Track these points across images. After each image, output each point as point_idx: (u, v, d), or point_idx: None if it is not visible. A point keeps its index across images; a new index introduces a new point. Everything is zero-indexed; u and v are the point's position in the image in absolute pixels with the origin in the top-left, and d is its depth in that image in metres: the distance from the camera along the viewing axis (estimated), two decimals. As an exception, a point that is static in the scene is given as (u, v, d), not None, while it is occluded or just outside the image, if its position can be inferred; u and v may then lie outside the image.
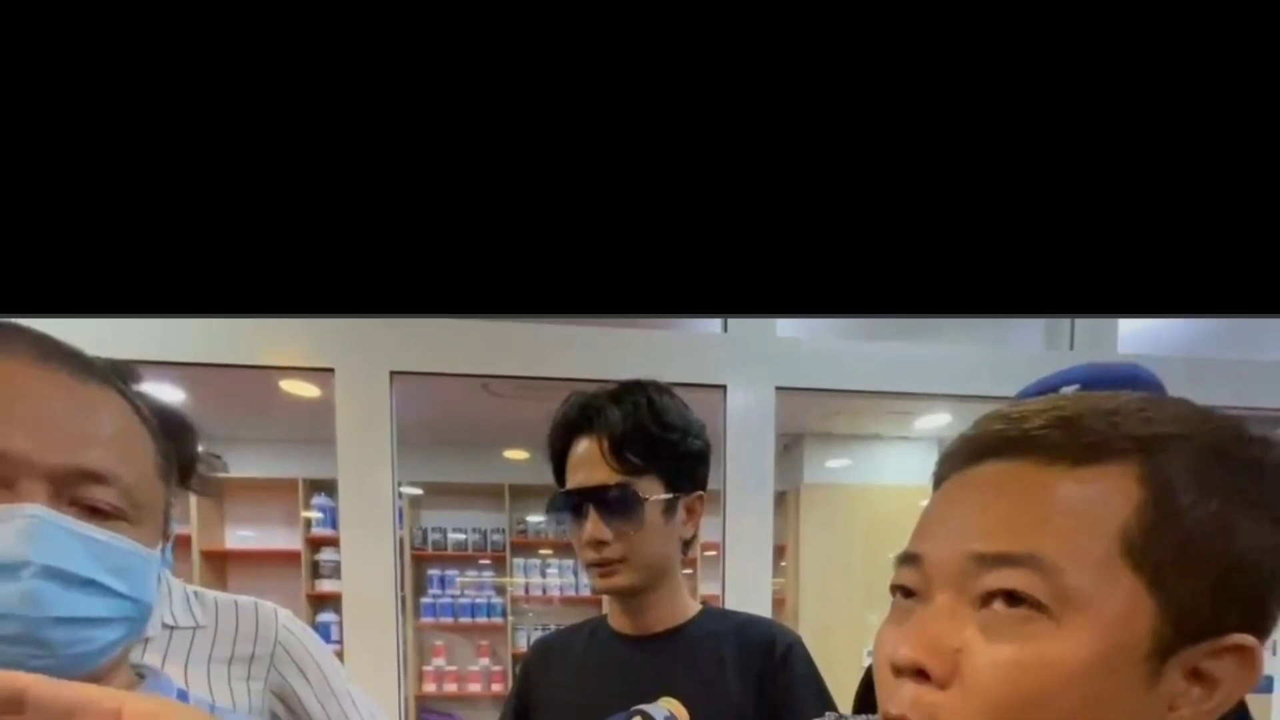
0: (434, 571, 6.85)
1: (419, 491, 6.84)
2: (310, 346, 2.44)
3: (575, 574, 6.84)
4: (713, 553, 3.07)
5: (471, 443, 6.55)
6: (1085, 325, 2.83)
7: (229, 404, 5.13)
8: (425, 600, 6.77)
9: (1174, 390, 0.79)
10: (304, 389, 4.28)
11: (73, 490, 0.68)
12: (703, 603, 1.46)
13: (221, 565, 6.45)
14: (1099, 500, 0.56)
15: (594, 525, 1.29)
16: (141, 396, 0.79)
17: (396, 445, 2.49)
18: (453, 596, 6.81)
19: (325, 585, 6.37)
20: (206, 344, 2.37)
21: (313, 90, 0.67)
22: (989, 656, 0.55)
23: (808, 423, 5.75)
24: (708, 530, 1.66)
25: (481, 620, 6.80)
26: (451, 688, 6.73)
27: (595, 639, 1.46)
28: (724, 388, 2.62)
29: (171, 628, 1.32)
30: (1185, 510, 0.55)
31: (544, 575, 6.95)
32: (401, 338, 2.47)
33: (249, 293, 0.72)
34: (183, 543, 5.70)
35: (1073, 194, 0.69)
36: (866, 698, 1.30)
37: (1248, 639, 0.55)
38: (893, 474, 5.92)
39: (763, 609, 2.61)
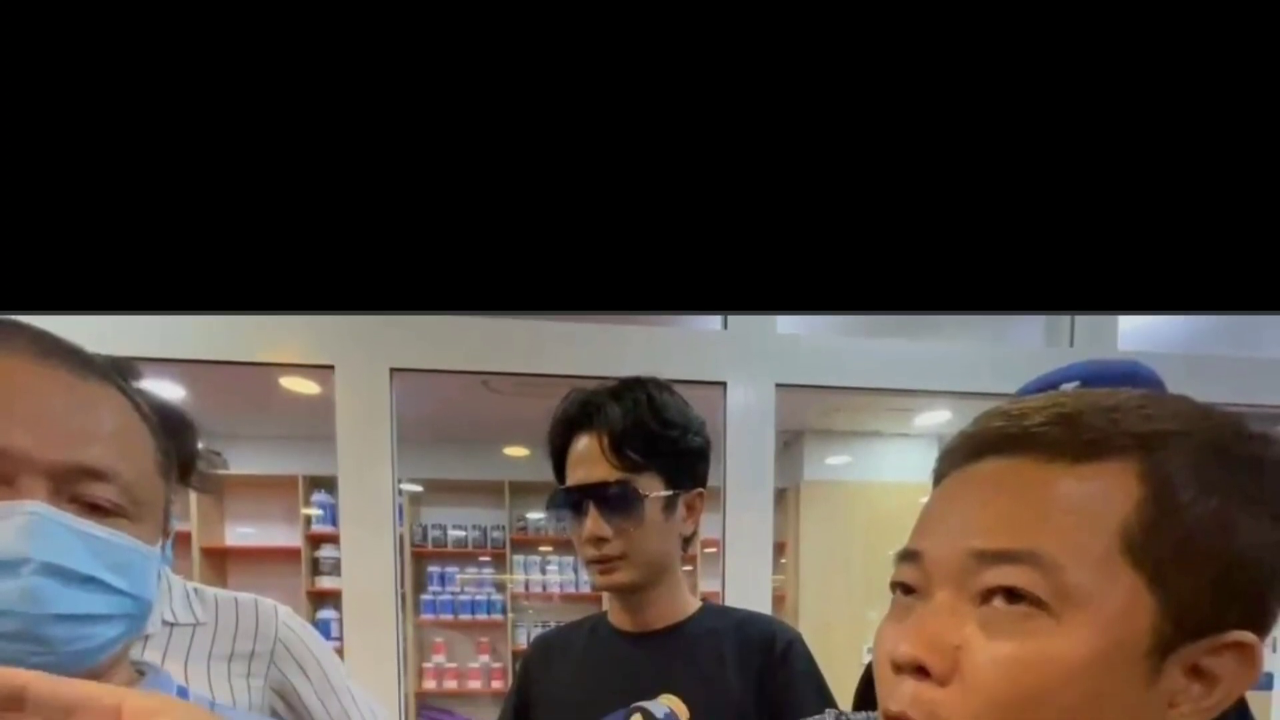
0: (434, 568, 6.85)
1: (419, 488, 6.84)
2: (310, 343, 2.44)
3: (575, 571, 6.84)
4: (713, 550, 3.06)
5: (471, 439, 6.55)
6: (1085, 322, 2.83)
7: (229, 401, 5.13)
8: (425, 597, 6.77)
9: (1174, 387, 0.79)
10: (304, 386, 4.28)
11: (73, 487, 0.68)
12: (703, 600, 1.46)
13: (221, 562, 6.46)
14: (1099, 497, 0.56)
15: (594, 522, 1.29)
16: (141, 393, 0.79)
17: (396, 442, 2.48)
18: (453, 593, 6.80)
19: (325, 582, 6.38)
20: (206, 341, 2.37)
21: (313, 89, 0.67)
22: (989, 653, 0.55)
23: (808, 419, 5.75)
24: (708, 527, 1.66)
25: (481, 617, 6.80)
26: (451, 685, 6.74)
27: (595, 636, 1.46)
28: (724, 384, 2.62)
29: (171, 625, 1.32)
30: (1185, 507, 0.55)
31: (544, 572, 6.95)
32: (402, 335, 2.47)
33: (249, 289, 0.71)
34: (183, 539, 5.71)
35: (1072, 191, 0.69)
36: (866, 694, 1.30)
37: (1248, 636, 0.56)
38: (893, 471, 5.92)
39: (763, 606, 2.61)
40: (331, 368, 2.44)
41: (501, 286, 0.72)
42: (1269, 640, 0.59)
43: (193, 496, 5.49)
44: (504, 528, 6.88)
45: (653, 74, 0.67)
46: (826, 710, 0.88)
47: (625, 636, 1.41)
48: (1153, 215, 0.69)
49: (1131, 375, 1.19)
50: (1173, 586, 0.54)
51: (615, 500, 1.28)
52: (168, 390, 3.63)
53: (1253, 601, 0.56)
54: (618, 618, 1.42)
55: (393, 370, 2.47)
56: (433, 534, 6.87)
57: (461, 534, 6.90)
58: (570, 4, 0.66)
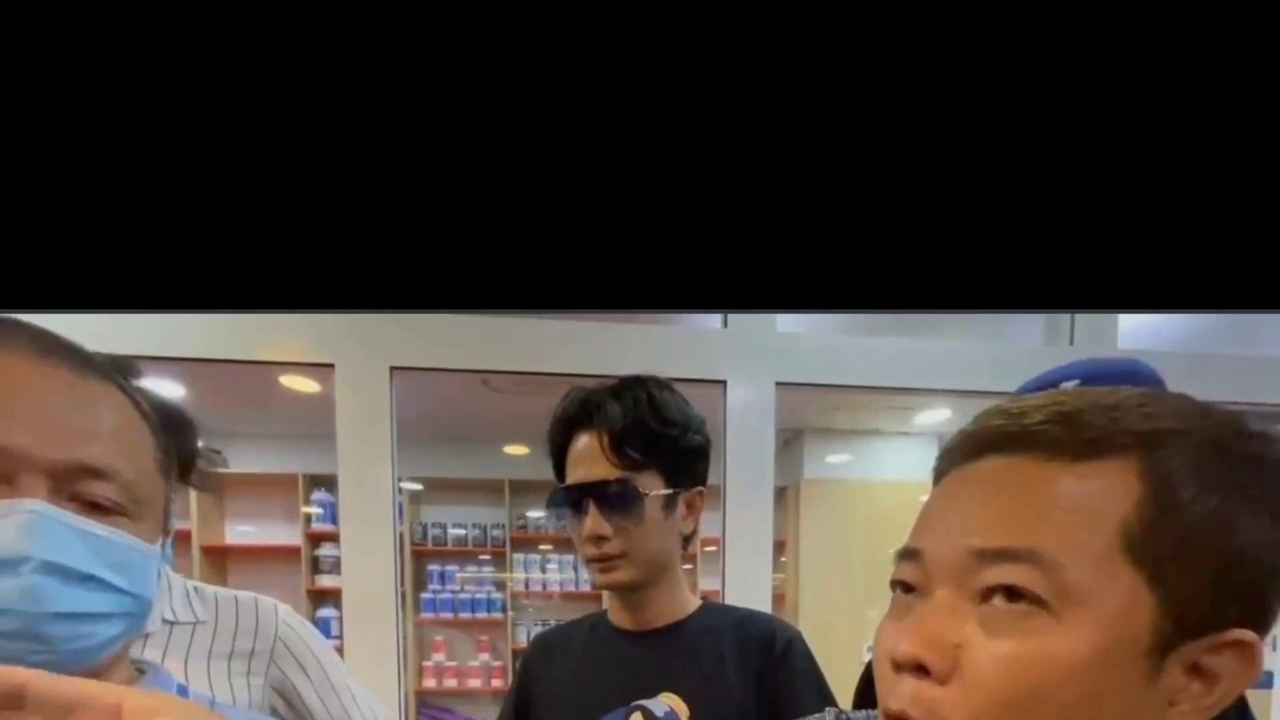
0: (434, 567, 6.85)
1: (419, 487, 6.84)
2: (310, 342, 2.44)
3: (575, 569, 6.84)
4: (713, 548, 3.06)
5: (471, 438, 6.55)
6: (1085, 320, 2.83)
7: (229, 399, 5.13)
8: (425, 595, 6.77)
9: (1174, 385, 0.79)
10: (304, 384, 4.28)
11: (73, 485, 0.68)
12: (703, 598, 1.46)
13: (221, 560, 6.46)
14: (1099, 495, 0.56)
15: (594, 520, 1.29)
16: (141, 392, 0.79)
17: (396, 440, 2.49)
18: (453, 592, 6.80)
19: (325, 580, 6.38)
20: (206, 339, 2.37)
21: (313, 87, 0.67)
22: (989, 652, 0.55)
23: (808, 418, 5.75)
24: (708, 525, 1.66)
25: (481, 615, 6.80)
26: (451, 683, 6.74)
27: (595, 634, 1.46)
28: (724, 383, 2.63)
29: (171, 623, 1.32)
30: (1185, 505, 0.55)
31: (544, 570, 6.95)
32: (401, 333, 2.47)
33: (249, 288, 0.72)
34: (183, 538, 5.71)
35: (1072, 189, 0.69)
36: (866, 693, 1.30)
37: (1248, 634, 0.56)
38: (893, 469, 5.92)
39: (763, 604, 2.61)
40: (331, 366, 2.44)
41: (501, 285, 0.72)
42: (1269, 638, 0.59)
43: (193, 495, 5.49)
44: (504, 526, 6.88)
45: (652, 74, 0.67)
46: (826, 709, 0.88)
47: (625, 635, 1.41)
48: (1152, 214, 0.70)
49: (1131, 373, 1.19)
50: (1173, 585, 0.54)
51: (615, 499, 1.28)
52: (168, 389, 3.63)
53: (1253, 600, 0.56)
54: (618, 616, 1.42)
55: (393, 369, 2.47)
56: (433, 532, 6.86)
57: (461, 532, 6.90)
58: (570, 4, 0.66)
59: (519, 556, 6.93)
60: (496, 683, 6.75)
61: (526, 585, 6.92)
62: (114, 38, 0.65)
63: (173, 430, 0.84)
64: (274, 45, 0.66)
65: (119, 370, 0.77)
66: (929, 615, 0.59)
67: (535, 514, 6.93)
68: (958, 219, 0.71)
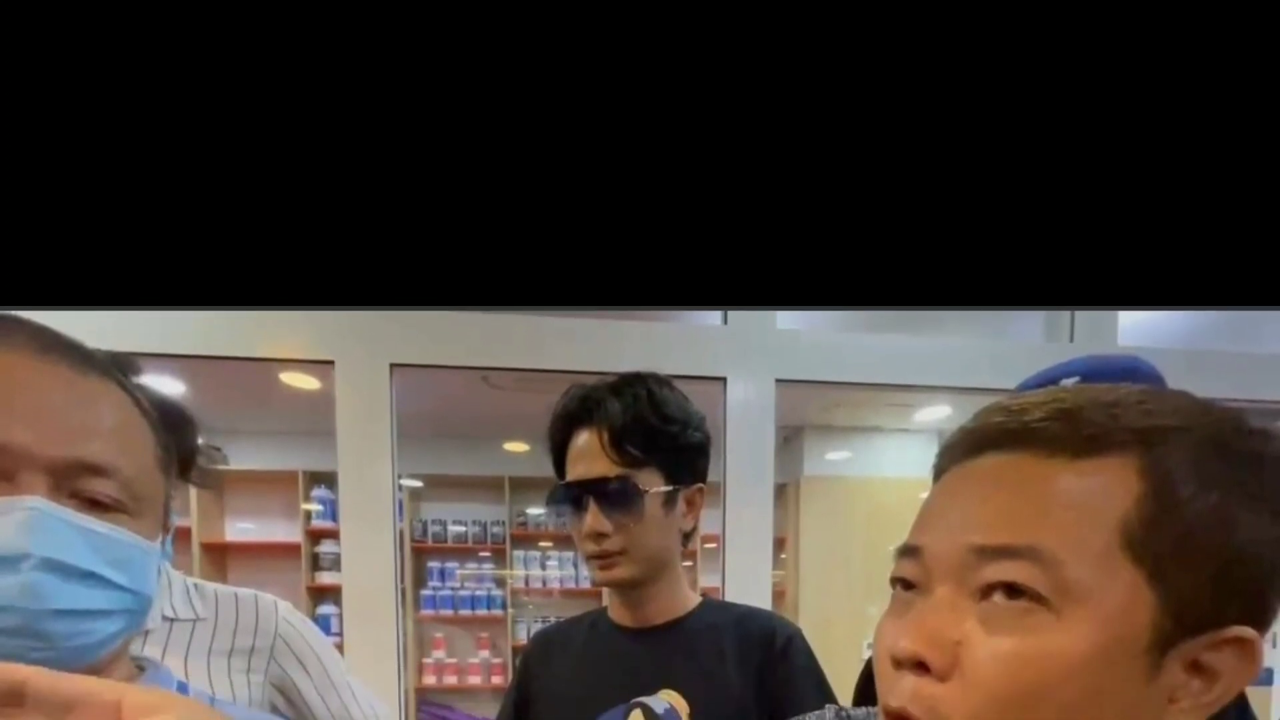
0: (434, 564, 6.86)
1: (419, 484, 6.85)
2: (310, 339, 2.44)
3: (575, 566, 6.85)
4: (713, 545, 3.07)
5: (471, 435, 6.55)
6: (1085, 317, 2.83)
7: (229, 396, 5.13)
8: (425, 593, 6.77)
9: (1174, 382, 0.79)
10: (304, 381, 4.28)
11: (73, 483, 0.68)
12: (702, 595, 1.46)
13: (221, 558, 6.46)
14: (1099, 492, 0.56)
15: (594, 517, 1.29)
16: (141, 389, 0.79)
17: (396, 437, 2.49)
18: (452, 589, 6.81)
19: (325, 578, 6.39)
20: (207, 336, 2.37)
21: (314, 84, 0.67)
22: (989, 649, 0.55)
23: (808, 415, 5.75)
24: (708, 522, 1.66)
25: (481, 612, 6.81)
26: (451, 680, 6.74)
27: (595, 631, 1.46)
28: (724, 380, 2.63)
29: (171, 620, 1.32)
30: (1185, 503, 0.55)
31: (544, 567, 6.96)
32: (401, 330, 2.47)
33: (249, 285, 0.72)
34: (183, 535, 5.71)
35: (1072, 187, 0.69)
36: (866, 690, 1.30)
37: (1248, 631, 0.56)
38: (893, 466, 5.92)
39: (763, 601, 2.61)
40: (332, 363, 2.44)
41: (501, 282, 0.72)
42: (1269, 636, 0.59)
43: (193, 492, 5.50)
44: (504, 523, 6.88)
45: (652, 71, 0.67)
46: (826, 706, 0.88)
47: (625, 632, 1.41)
48: (1152, 211, 0.70)
49: (1131, 370, 1.19)
50: (1173, 582, 0.54)
51: (615, 495, 1.28)
52: (168, 385, 3.63)
53: (1253, 597, 0.56)
54: (618, 613, 1.42)
55: (393, 365, 2.47)
56: (433, 529, 6.87)
57: (461, 529, 6.91)
58: (569, 2, 0.66)
59: (519, 553, 6.94)
60: (496, 680, 6.76)
61: (526, 582, 6.92)
62: (113, 35, 0.65)
63: (173, 427, 0.84)
64: (274, 42, 0.66)
65: (119, 367, 0.77)
66: (929, 612, 0.59)
67: (535, 511, 6.93)
68: (958, 216, 0.71)
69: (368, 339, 2.45)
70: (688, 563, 5.54)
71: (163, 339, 2.31)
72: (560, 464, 1.38)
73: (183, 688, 0.88)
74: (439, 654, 6.80)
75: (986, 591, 0.56)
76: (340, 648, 1.98)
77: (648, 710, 1.27)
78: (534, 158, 0.69)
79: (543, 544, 7.00)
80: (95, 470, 0.69)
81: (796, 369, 2.67)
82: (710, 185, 0.70)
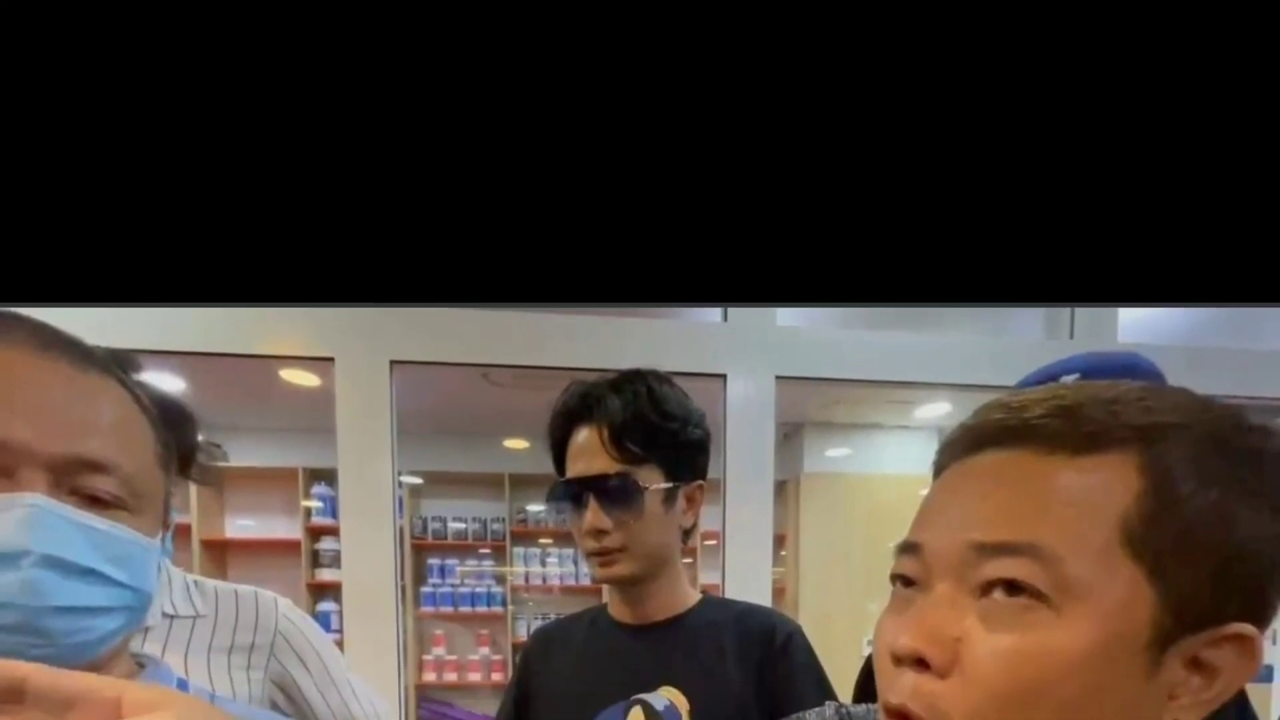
0: (434, 561, 6.86)
1: (419, 481, 6.85)
2: (310, 335, 2.44)
3: (575, 563, 6.85)
4: (713, 542, 3.07)
5: (471, 432, 6.55)
6: (1085, 314, 2.83)
7: (229, 393, 5.13)
8: (425, 589, 6.77)
9: (1174, 379, 0.79)
10: (304, 378, 4.28)
11: (73, 479, 0.68)
12: (702, 592, 1.46)
13: (221, 554, 6.46)
14: (1099, 489, 0.56)
15: (594, 514, 1.29)
16: (141, 385, 0.79)
17: (396, 434, 2.49)
18: (453, 586, 6.81)
19: (325, 574, 6.39)
20: (206, 333, 2.37)
21: (313, 81, 0.67)
22: (989, 646, 0.55)
23: (807, 412, 5.75)
24: (708, 519, 1.66)
25: (481, 609, 6.81)
26: (451, 677, 6.74)
27: (595, 628, 1.46)
28: (724, 377, 2.62)
29: (171, 617, 1.33)
30: (1185, 499, 0.55)
31: (544, 564, 6.96)
32: (402, 327, 2.47)
33: (249, 281, 0.71)
34: (183, 532, 5.71)
35: (1072, 183, 0.69)
36: (867, 687, 1.30)
37: (1247, 628, 0.56)
38: (893, 463, 5.92)
39: (763, 598, 2.62)
40: (331, 360, 2.44)
41: (501, 279, 0.72)
42: (1269, 633, 0.59)
43: (193, 489, 5.49)
44: (504, 520, 6.88)
45: (652, 67, 0.67)
46: (826, 702, 0.88)
47: (625, 629, 1.41)
48: (1152, 207, 0.69)
49: (1131, 367, 1.19)
50: (1173, 579, 0.54)
51: (615, 492, 1.28)
52: (168, 382, 3.63)
53: (1253, 594, 0.56)
54: (618, 610, 1.42)
55: (393, 362, 2.47)
56: (433, 526, 6.87)
57: (461, 526, 6.91)
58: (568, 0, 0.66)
59: (519, 550, 6.94)
60: (496, 676, 6.76)
61: (526, 579, 6.93)
62: (113, 33, 0.65)
63: (172, 424, 0.84)
64: (274, 39, 0.66)
65: (119, 364, 0.77)
66: (929, 609, 0.59)
67: (535, 508, 6.93)
68: (958, 213, 0.70)
69: (368, 335, 2.45)
70: (688, 560, 5.55)
71: (162, 335, 2.31)
72: (560, 461, 1.38)
73: (183, 684, 0.89)
74: (439, 651, 6.80)
75: (986, 588, 0.56)
76: (340, 645, 1.98)
77: (648, 707, 1.28)
78: (534, 155, 0.69)
79: (543, 541, 7.00)
80: (95, 467, 0.69)
81: (796, 366, 2.67)
82: (710, 182, 0.70)
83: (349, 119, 0.68)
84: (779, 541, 5.92)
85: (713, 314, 2.72)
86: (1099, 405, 0.58)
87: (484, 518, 6.93)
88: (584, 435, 1.32)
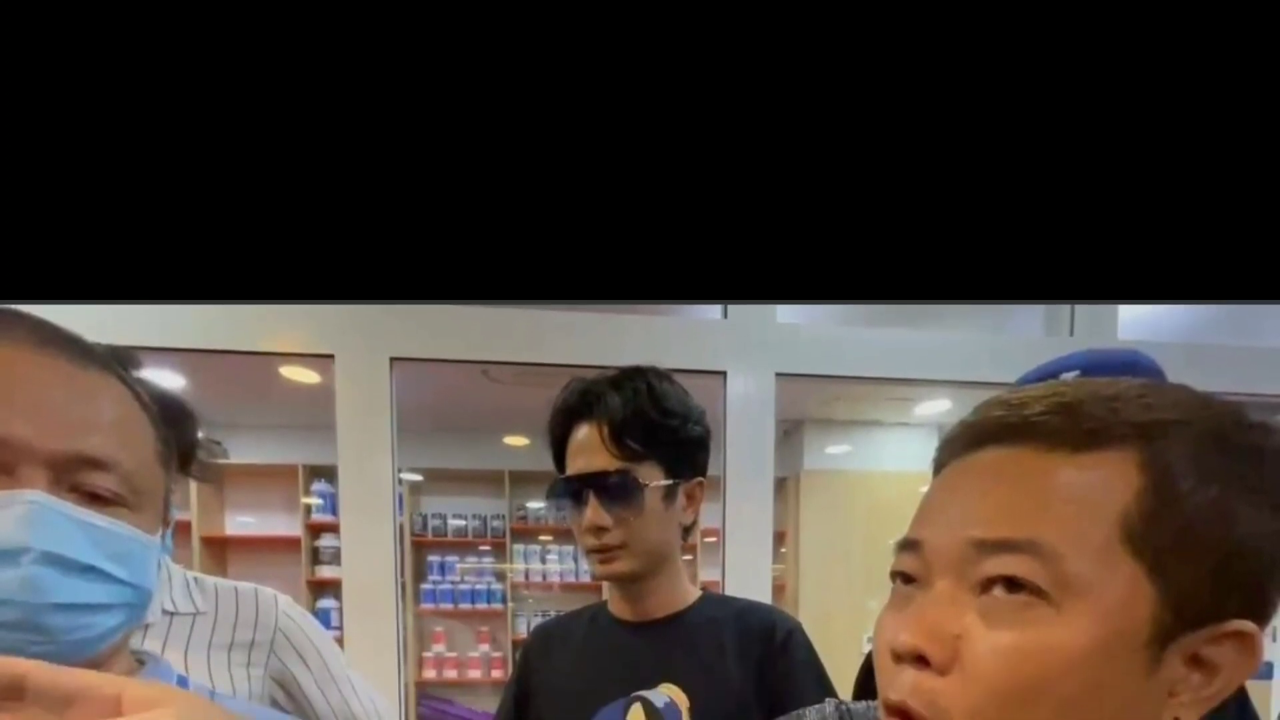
0: (434, 558, 6.86)
1: (419, 477, 6.85)
2: (310, 332, 2.44)
3: (575, 560, 6.85)
4: (713, 539, 3.07)
5: (471, 429, 6.55)
6: (1085, 311, 2.83)
7: (229, 390, 5.13)
8: (425, 586, 6.77)
9: (1174, 376, 0.79)
10: (304, 375, 4.27)
11: (72, 476, 0.68)
12: (703, 589, 1.46)
13: (221, 551, 6.46)
14: (1099, 486, 0.56)
15: (594, 511, 1.29)
16: (141, 382, 0.79)
17: (396, 431, 2.48)
18: (453, 583, 6.81)
19: (325, 571, 6.39)
20: (206, 330, 2.37)
21: (313, 79, 0.67)
22: (989, 643, 0.55)
23: (808, 409, 5.75)
24: (708, 516, 1.67)
25: (481, 606, 6.81)
26: (451, 674, 6.75)
27: (595, 625, 1.46)
28: (724, 374, 2.62)
29: (171, 614, 1.33)
30: (1185, 496, 0.55)
31: (544, 561, 6.96)
32: (401, 324, 2.47)
33: (249, 279, 0.71)
34: (182, 529, 5.70)
35: (1072, 180, 0.69)
36: (867, 684, 1.31)
37: (1248, 625, 0.56)
38: (893, 460, 5.92)
39: (763, 595, 2.62)
40: (331, 357, 2.44)
41: (501, 276, 0.72)
42: (1269, 629, 0.59)
43: (193, 486, 5.50)
44: (504, 517, 6.88)
45: (652, 64, 0.67)
46: (826, 699, 0.88)
47: (625, 626, 1.41)
48: (1153, 205, 0.69)
49: (1131, 364, 1.19)
50: (1173, 576, 0.54)
51: (615, 489, 1.28)
52: (167, 379, 3.63)
53: (1252, 591, 0.56)
54: (618, 607, 1.43)
55: (393, 359, 2.47)
56: (433, 523, 6.87)
57: (461, 523, 6.91)
58: (570, -7, 0.66)
59: (519, 547, 6.94)
60: (496, 674, 6.77)
61: (526, 576, 6.93)
62: (113, 30, 0.64)
63: (172, 421, 0.84)
64: (274, 37, 0.66)
65: (119, 361, 0.77)
66: (929, 606, 0.59)
67: (535, 505, 6.93)
68: (958, 210, 0.70)
69: (368, 333, 2.45)
70: (687, 557, 5.54)
71: (162, 333, 2.31)
72: (560, 458, 1.38)
73: (183, 681, 0.89)
74: (439, 648, 6.80)
75: (986, 585, 0.57)
76: (340, 642, 1.98)
77: (648, 704, 1.28)
78: (533, 152, 0.69)
79: (543, 538, 7.00)
80: (95, 464, 0.69)
81: (796, 363, 2.67)
82: (710, 179, 0.70)
83: (349, 117, 0.68)
84: (779, 539, 5.93)
85: (713, 311, 2.72)
86: (1099, 402, 0.58)
87: (484, 515, 6.93)
88: (584, 432, 1.32)
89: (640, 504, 1.28)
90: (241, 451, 6.01)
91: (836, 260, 0.72)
